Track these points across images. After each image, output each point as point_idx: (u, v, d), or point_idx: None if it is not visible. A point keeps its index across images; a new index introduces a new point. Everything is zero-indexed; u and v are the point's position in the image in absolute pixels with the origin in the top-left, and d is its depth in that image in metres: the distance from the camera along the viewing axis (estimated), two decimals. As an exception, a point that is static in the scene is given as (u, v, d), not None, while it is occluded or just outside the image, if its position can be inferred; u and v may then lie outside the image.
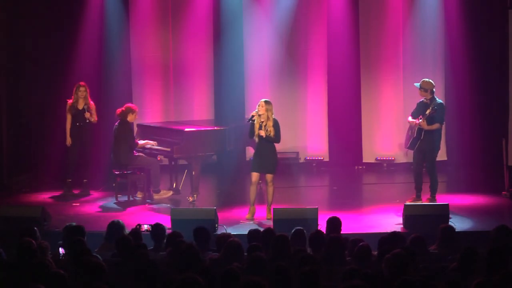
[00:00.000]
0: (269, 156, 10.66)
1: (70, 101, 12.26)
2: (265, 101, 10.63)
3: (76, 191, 12.35)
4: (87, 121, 12.20)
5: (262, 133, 10.54)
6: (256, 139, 10.64)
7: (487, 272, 6.42)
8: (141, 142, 11.92)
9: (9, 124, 13.37)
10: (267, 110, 10.56)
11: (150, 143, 11.94)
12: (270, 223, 10.08)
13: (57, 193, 12.34)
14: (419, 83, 11.14)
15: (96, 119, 12.32)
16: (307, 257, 6.64)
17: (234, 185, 13.20)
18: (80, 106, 12.21)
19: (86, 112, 12.16)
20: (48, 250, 7.46)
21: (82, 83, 12.27)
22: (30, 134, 13.78)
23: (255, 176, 10.73)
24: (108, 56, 14.08)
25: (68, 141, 12.26)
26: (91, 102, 12.29)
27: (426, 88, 11.08)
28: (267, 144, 10.63)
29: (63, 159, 12.55)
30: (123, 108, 11.88)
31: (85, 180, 12.42)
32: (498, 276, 5.87)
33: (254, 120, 10.58)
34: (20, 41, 13.62)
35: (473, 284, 5.71)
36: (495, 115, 13.88)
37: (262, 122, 10.57)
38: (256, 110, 10.60)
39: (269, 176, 10.68)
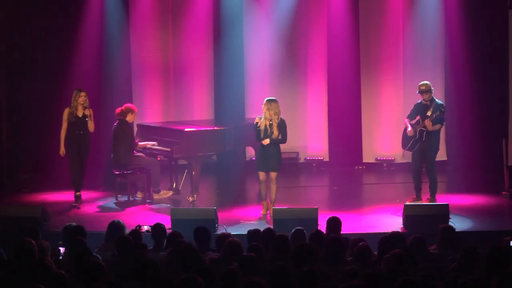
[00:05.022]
0: (273, 155, 10.67)
1: (68, 108, 11.40)
2: (267, 100, 10.64)
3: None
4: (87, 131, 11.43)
5: (266, 142, 10.55)
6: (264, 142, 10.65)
7: (487, 272, 6.41)
8: (140, 143, 11.89)
9: (9, 124, 13.37)
10: (268, 109, 10.55)
11: (149, 144, 11.92)
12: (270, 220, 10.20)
13: (57, 193, 12.32)
14: (429, 88, 11.05)
15: (94, 127, 11.50)
16: (306, 247, 6.65)
17: (234, 185, 13.20)
18: (80, 113, 11.36)
19: (88, 121, 11.31)
20: (48, 250, 7.46)
21: (81, 88, 11.48)
22: (30, 134, 13.77)
23: (262, 175, 10.77)
24: (108, 57, 14.09)
25: (62, 150, 11.43)
26: (90, 109, 11.48)
27: (432, 90, 11.07)
28: (271, 144, 10.64)
29: (63, 160, 12.02)
30: (123, 108, 11.83)
31: (78, 193, 11.54)
32: (498, 276, 5.86)
33: (259, 126, 10.56)
34: (20, 41, 13.63)
35: (473, 284, 5.70)
36: (495, 115, 13.89)
37: (271, 122, 10.57)
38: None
39: (273, 174, 10.70)
